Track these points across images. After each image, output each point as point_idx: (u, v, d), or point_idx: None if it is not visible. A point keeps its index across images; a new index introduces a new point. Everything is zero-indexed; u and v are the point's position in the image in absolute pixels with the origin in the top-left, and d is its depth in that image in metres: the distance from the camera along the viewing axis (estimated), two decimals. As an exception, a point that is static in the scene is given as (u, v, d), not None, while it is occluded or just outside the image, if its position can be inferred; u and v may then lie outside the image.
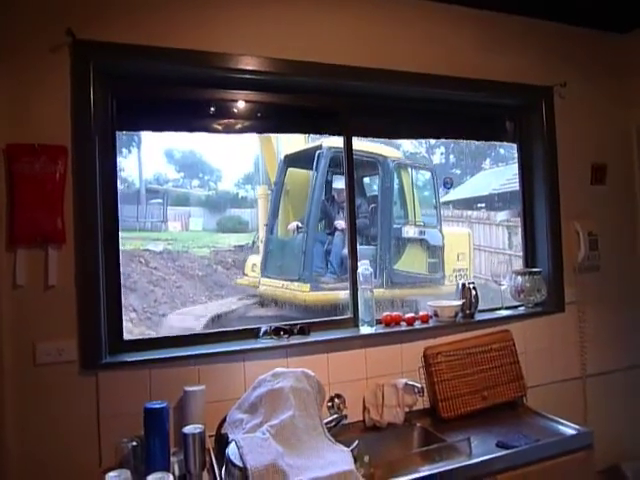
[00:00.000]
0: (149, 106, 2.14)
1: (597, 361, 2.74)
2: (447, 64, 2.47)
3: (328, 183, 4.62)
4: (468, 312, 2.47)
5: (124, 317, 2.08)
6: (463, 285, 2.49)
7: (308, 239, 4.16)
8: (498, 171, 7.86)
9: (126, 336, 2.05)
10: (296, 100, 2.35)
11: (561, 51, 2.68)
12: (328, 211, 4.49)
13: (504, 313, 2.56)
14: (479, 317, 2.49)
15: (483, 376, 2.37)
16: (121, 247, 2.05)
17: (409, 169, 4.78)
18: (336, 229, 4.17)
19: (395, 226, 4.41)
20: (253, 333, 2.19)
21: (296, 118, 2.40)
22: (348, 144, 2.40)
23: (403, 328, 2.33)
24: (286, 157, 4.60)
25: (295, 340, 2.14)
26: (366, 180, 4.84)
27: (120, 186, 2.05)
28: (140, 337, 2.11)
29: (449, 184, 3.76)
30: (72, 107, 1.86)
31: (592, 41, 2.77)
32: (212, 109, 2.25)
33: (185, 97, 2.19)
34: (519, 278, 2.62)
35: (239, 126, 2.33)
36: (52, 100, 1.84)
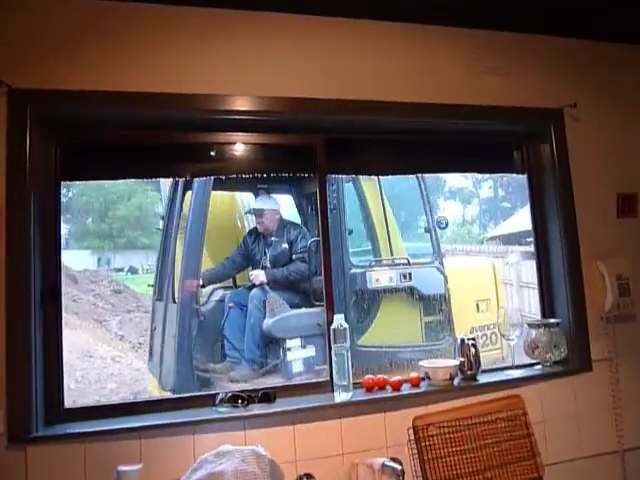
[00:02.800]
0: (99, 153, 2.02)
1: (638, 431, 2.25)
2: (436, 90, 2.23)
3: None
4: (469, 373, 2.11)
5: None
6: (462, 340, 2.14)
7: (183, 316, 2.70)
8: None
9: (71, 404, 1.87)
10: (266, 139, 2.17)
11: (569, 68, 2.35)
12: (250, 253, 3.22)
13: (514, 374, 2.17)
14: (483, 379, 2.12)
15: (487, 453, 1.96)
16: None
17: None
18: (253, 285, 3.03)
19: (354, 271, 2.84)
20: (212, 400, 1.94)
21: (265, 157, 2.19)
22: (321, 185, 2.16)
23: (387, 394, 2.00)
24: None
25: (254, 410, 1.87)
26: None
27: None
28: (83, 405, 1.92)
29: (443, 224, 3.15)
30: (7, 161, 1.76)
31: (605, 55, 2.40)
32: (172, 152, 2.11)
33: (143, 142, 2.08)
34: (532, 331, 2.23)
35: (200, 170, 2.19)
36: (-16, 154, 1.75)
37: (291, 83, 2.07)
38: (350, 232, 2.90)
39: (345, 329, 2.00)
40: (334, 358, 1.97)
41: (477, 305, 3.50)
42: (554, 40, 2.33)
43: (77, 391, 5.38)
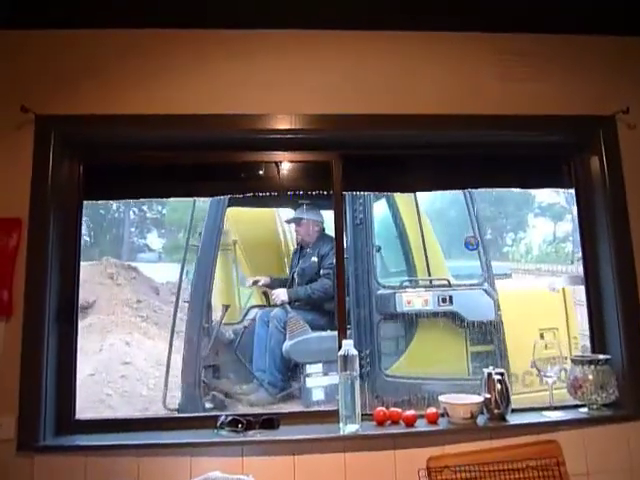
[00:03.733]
0: (123, 173, 2.10)
1: None
2: (466, 101, 2.07)
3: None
4: (496, 412, 1.88)
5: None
6: (488, 375, 1.92)
7: (190, 335, 2.62)
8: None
9: (79, 416, 1.93)
10: (285, 157, 2.14)
11: (619, 69, 2.06)
12: (304, 269, 3.09)
13: (552, 416, 1.90)
14: (514, 420, 1.88)
15: (511, 505, 1.74)
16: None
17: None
18: (275, 304, 2.91)
19: (382, 292, 2.59)
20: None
21: (283, 174, 2.15)
22: (337, 203, 2.07)
23: (398, 430, 1.84)
24: None
25: (253, 436, 1.80)
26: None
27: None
28: (94, 417, 1.97)
29: (473, 245, 2.77)
30: (32, 180, 1.88)
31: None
32: (191, 172, 2.14)
33: (162, 162, 2.12)
34: (576, 368, 1.95)
35: (221, 189, 2.21)
36: (13, 174, 1.88)
37: (311, 100, 2.03)
38: (378, 249, 2.70)
39: (354, 356, 1.87)
40: (339, 387, 1.86)
41: (541, 335, 3.08)
42: (597, 39, 2.06)
43: (148, 398, 5.63)
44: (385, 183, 2.22)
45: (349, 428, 1.82)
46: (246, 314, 3.29)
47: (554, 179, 2.24)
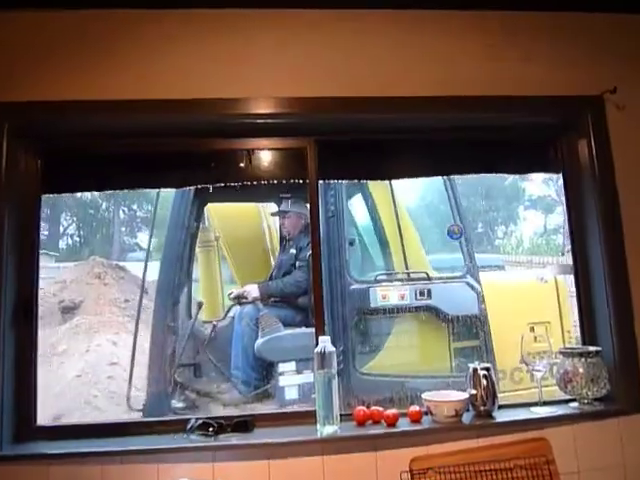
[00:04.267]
0: (85, 164, 1.98)
1: None
2: (450, 82, 1.96)
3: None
4: (483, 409, 1.79)
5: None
6: (474, 370, 1.82)
7: (155, 334, 2.54)
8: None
9: (41, 422, 1.81)
10: (255, 144, 2.03)
11: (607, 48, 1.96)
12: (282, 261, 3.06)
13: (541, 411, 1.80)
14: (501, 417, 1.79)
15: (499, 507, 1.65)
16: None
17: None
18: (246, 301, 2.81)
19: (355, 286, 2.48)
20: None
21: (257, 164, 2.04)
22: (312, 193, 1.96)
23: (379, 430, 1.74)
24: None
25: (224, 440, 1.69)
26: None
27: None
28: (57, 424, 1.86)
29: (457, 234, 2.64)
30: (-16, 174, 1.75)
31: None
32: (158, 162, 2.03)
33: (127, 152, 2.01)
34: (566, 361, 1.86)
35: (190, 180, 2.09)
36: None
37: (285, 82, 1.91)
38: (351, 243, 2.58)
39: (331, 353, 1.77)
40: (316, 386, 1.75)
41: (532, 329, 3.04)
42: (585, 17, 1.96)
43: (134, 399, 5.50)
44: (363, 170, 2.12)
45: (327, 429, 1.72)
46: (228, 311, 3.19)
47: (541, 163, 2.15)
